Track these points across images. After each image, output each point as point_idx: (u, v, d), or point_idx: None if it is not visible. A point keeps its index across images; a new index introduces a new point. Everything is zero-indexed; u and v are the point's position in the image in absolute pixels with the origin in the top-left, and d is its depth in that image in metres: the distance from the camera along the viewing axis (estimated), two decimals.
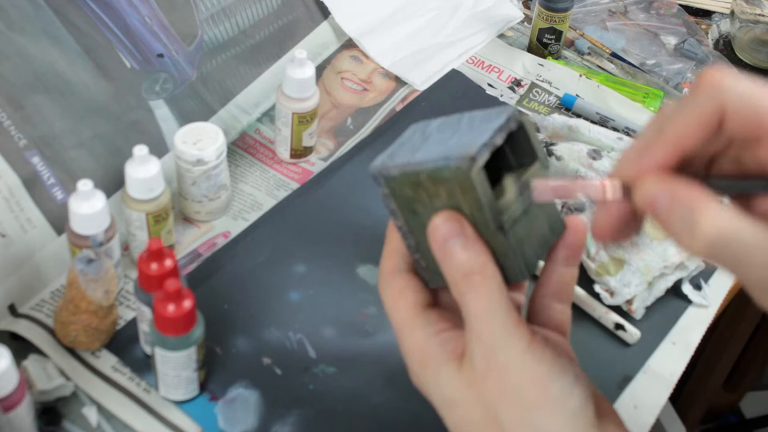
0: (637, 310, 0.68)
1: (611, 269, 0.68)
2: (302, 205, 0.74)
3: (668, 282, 0.70)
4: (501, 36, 0.96)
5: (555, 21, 0.91)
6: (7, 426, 0.52)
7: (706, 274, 0.72)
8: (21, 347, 0.61)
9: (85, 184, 0.59)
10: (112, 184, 0.67)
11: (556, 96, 0.89)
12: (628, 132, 0.84)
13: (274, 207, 0.74)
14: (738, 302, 1.12)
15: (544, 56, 0.93)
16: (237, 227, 0.72)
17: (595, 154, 0.74)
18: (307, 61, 0.73)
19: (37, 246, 0.64)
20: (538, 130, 0.80)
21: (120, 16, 0.71)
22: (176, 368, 0.57)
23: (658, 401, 0.64)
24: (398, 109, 0.85)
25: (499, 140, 0.42)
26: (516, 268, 0.43)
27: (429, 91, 0.87)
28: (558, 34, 0.92)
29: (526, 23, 0.99)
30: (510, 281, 0.44)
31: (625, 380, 0.65)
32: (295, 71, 0.73)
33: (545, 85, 0.90)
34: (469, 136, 0.42)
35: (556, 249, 0.46)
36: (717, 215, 0.36)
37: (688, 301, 0.71)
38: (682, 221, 0.37)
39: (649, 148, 0.40)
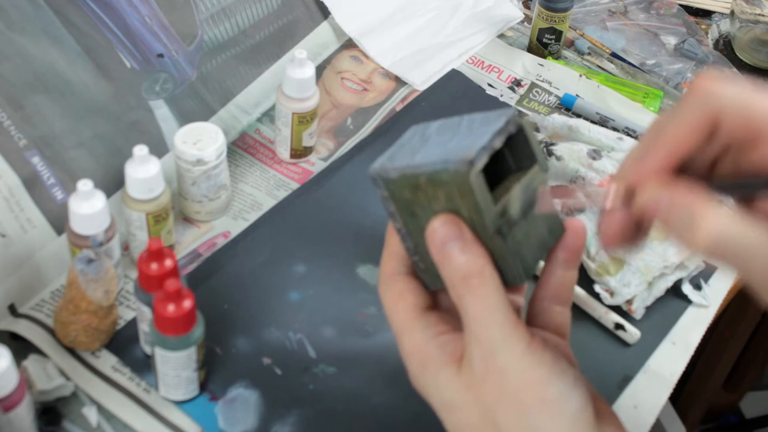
0: (637, 310, 0.68)
1: (611, 269, 0.68)
2: (302, 205, 0.74)
3: (668, 282, 0.70)
4: (501, 36, 0.96)
5: (555, 21, 0.91)
6: (7, 426, 0.52)
7: (706, 274, 0.72)
8: (21, 347, 0.61)
9: (85, 184, 0.59)
10: (112, 184, 0.67)
11: (556, 96, 0.89)
12: (628, 132, 0.84)
13: (274, 207, 0.74)
14: (738, 302, 1.12)
15: (544, 56, 0.93)
16: (237, 227, 0.72)
17: (595, 154, 0.74)
18: (307, 61, 0.73)
19: (37, 246, 0.64)
20: (537, 130, 0.80)
21: (120, 16, 0.71)
22: (176, 368, 0.57)
23: (658, 401, 0.64)
24: (398, 109, 0.85)
25: (498, 143, 0.41)
26: (514, 271, 0.43)
27: (429, 91, 0.87)
28: (558, 34, 0.92)
29: (526, 23, 0.99)
30: (508, 284, 0.44)
31: (625, 380, 0.65)
32: (295, 71, 0.73)
33: (545, 85, 0.90)
34: (468, 139, 0.42)
35: (555, 251, 0.46)
36: (716, 216, 0.37)
37: (688, 301, 0.71)
38: (682, 223, 0.38)
39: (646, 154, 0.41)
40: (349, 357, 0.64)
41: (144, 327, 0.60)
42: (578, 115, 0.86)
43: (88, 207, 0.60)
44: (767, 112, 0.39)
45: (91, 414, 0.59)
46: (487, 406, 0.42)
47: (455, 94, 0.87)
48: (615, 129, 0.84)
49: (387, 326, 0.65)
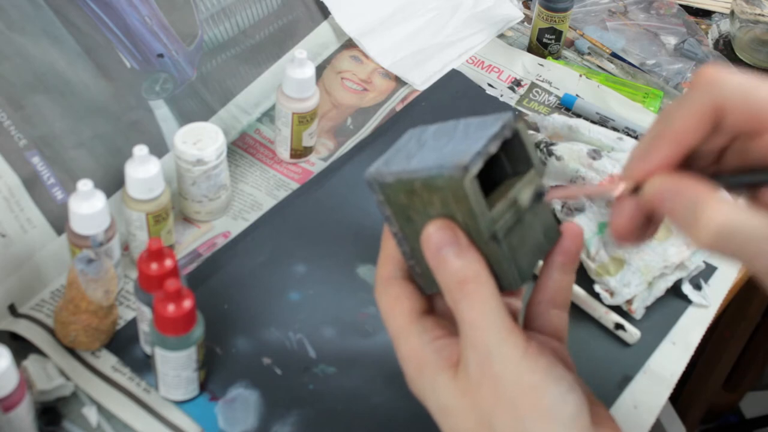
0: (637, 310, 0.68)
1: (611, 269, 0.68)
2: (302, 205, 0.74)
3: (668, 282, 0.70)
4: (501, 36, 0.96)
5: (555, 21, 0.91)
6: (7, 426, 0.52)
7: (706, 274, 0.72)
8: (21, 347, 0.61)
9: (85, 184, 0.59)
10: (112, 184, 0.67)
11: (556, 96, 0.89)
12: (628, 132, 0.84)
13: (274, 207, 0.74)
14: (738, 302, 1.12)
15: (544, 56, 0.93)
16: (237, 227, 0.72)
17: (595, 154, 0.74)
18: (307, 61, 0.73)
19: (37, 246, 0.64)
20: (537, 129, 0.80)
21: (120, 16, 0.71)
22: (176, 368, 0.57)
23: (658, 401, 0.64)
24: (398, 109, 0.85)
25: (494, 148, 0.41)
26: (510, 276, 0.43)
27: (429, 91, 0.87)
28: (558, 34, 0.92)
29: (526, 23, 0.99)
30: (504, 289, 0.44)
31: (625, 380, 0.65)
32: (295, 71, 0.73)
33: (545, 85, 0.90)
34: (464, 144, 0.42)
35: (552, 254, 0.46)
36: (720, 208, 0.37)
37: (688, 301, 0.71)
38: (687, 215, 0.38)
39: (652, 148, 0.41)
40: (349, 357, 0.64)
41: (144, 327, 0.60)
42: (578, 115, 0.86)
43: (88, 207, 0.60)
44: None
45: (91, 414, 0.59)
46: (483, 412, 0.42)
47: (455, 94, 0.87)
48: (615, 129, 0.84)
49: None
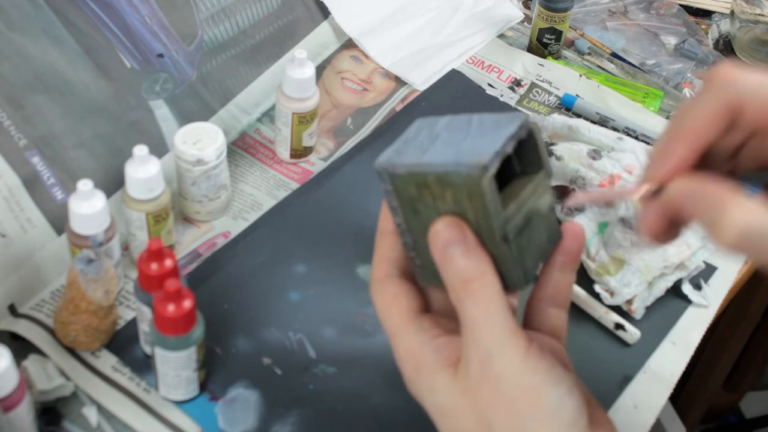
0: (637, 310, 0.68)
1: (611, 269, 0.68)
2: (302, 205, 0.74)
3: (668, 282, 0.70)
4: (501, 36, 0.96)
5: (555, 21, 0.91)
6: (7, 426, 0.52)
7: (706, 274, 0.72)
8: (21, 347, 0.61)
9: (85, 184, 0.59)
10: (112, 184, 0.67)
11: (556, 96, 0.89)
12: (628, 132, 0.84)
13: (274, 207, 0.74)
14: (738, 302, 1.12)
15: (544, 56, 0.93)
16: (237, 227, 0.72)
17: (595, 154, 0.74)
18: (307, 61, 0.73)
19: (37, 246, 0.64)
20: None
21: (120, 16, 0.71)
22: (176, 368, 0.57)
23: (658, 401, 0.64)
24: (398, 109, 0.85)
25: (510, 148, 0.41)
26: (516, 277, 0.43)
27: (429, 91, 0.87)
28: (558, 34, 0.92)
29: (526, 23, 0.99)
30: (509, 289, 0.44)
31: (625, 380, 0.65)
32: (295, 71, 0.73)
33: (545, 85, 0.90)
34: (481, 142, 0.41)
35: (554, 254, 0.46)
36: (743, 208, 0.38)
37: (688, 301, 0.71)
38: (710, 217, 0.39)
39: (669, 148, 0.42)
40: (349, 357, 0.64)
41: (144, 327, 0.60)
42: (578, 115, 0.86)
43: (88, 207, 0.60)
44: None
45: (91, 414, 0.59)
46: (482, 412, 0.42)
47: (455, 94, 0.87)
48: (615, 129, 0.84)
49: None
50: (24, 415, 0.53)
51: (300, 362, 0.63)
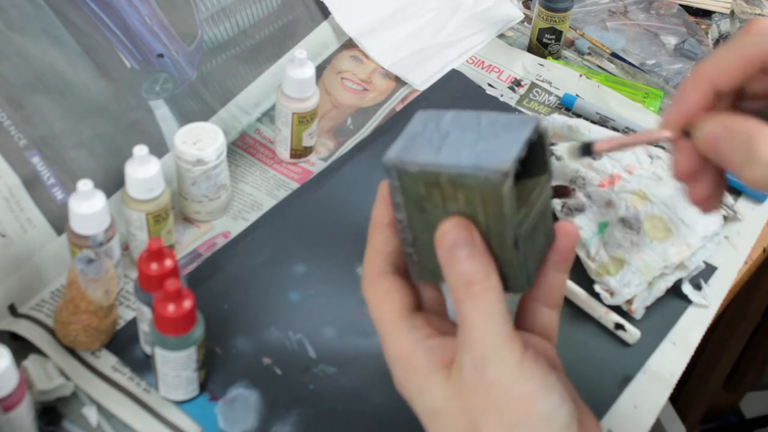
0: (637, 310, 0.68)
1: (611, 269, 0.68)
2: (302, 205, 0.74)
3: (668, 282, 0.69)
4: (501, 36, 0.96)
5: (555, 21, 0.91)
6: (7, 426, 0.52)
7: (706, 274, 0.72)
8: (21, 347, 0.61)
9: (85, 184, 0.59)
10: (112, 184, 0.67)
11: (556, 96, 0.89)
12: (628, 132, 0.84)
13: (274, 207, 0.74)
14: (738, 302, 1.12)
15: (544, 56, 0.93)
16: (237, 227, 0.72)
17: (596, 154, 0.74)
18: (307, 61, 0.73)
19: (37, 246, 0.64)
20: None
21: (120, 16, 0.71)
22: (176, 368, 0.57)
23: (658, 401, 0.64)
24: (398, 109, 0.85)
25: (524, 153, 0.41)
26: (519, 280, 0.43)
27: (429, 91, 0.87)
28: (558, 34, 0.92)
29: (526, 23, 0.99)
30: (511, 291, 0.43)
31: (625, 380, 0.65)
32: (295, 71, 0.73)
33: (545, 85, 0.90)
34: (497, 145, 0.41)
35: (547, 253, 0.46)
36: None
37: (688, 301, 0.71)
38: (740, 152, 0.39)
39: (685, 93, 0.42)
40: (349, 357, 0.64)
41: (144, 327, 0.60)
42: (578, 115, 0.86)
43: (88, 207, 0.60)
44: None
45: (91, 414, 0.59)
46: (473, 416, 0.42)
47: (455, 94, 0.87)
48: (615, 129, 0.84)
49: None
50: (24, 415, 0.53)
51: (300, 362, 0.63)
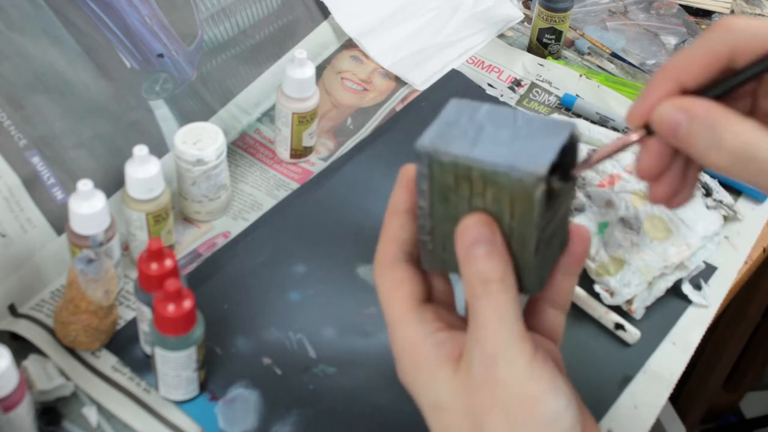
0: (637, 310, 0.68)
1: (611, 269, 0.68)
2: (302, 205, 0.74)
3: (668, 282, 0.70)
4: (501, 36, 0.96)
5: (555, 21, 0.91)
6: (7, 426, 0.52)
7: (706, 274, 0.72)
8: (21, 347, 0.61)
9: (85, 184, 0.59)
10: (112, 184, 0.67)
11: (556, 96, 0.89)
12: (628, 132, 0.84)
13: (274, 207, 0.74)
14: (738, 302, 1.12)
15: (544, 56, 0.93)
16: (237, 227, 0.72)
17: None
18: (307, 61, 0.73)
19: (37, 246, 0.64)
20: None
21: (120, 16, 0.71)
22: (176, 368, 0.57)
23: (658, 401, 0.64)
24: (398, 109, 0.85)
25: (557, 157, 0.41)
26: (532, 282, 0.43)
27: (429, 91, 0.87)
28: (558, 34, 0.92)
29: (526, 23, 0.99)
30: (524, 292, 0.43)
31: (625, 380, 0.65)
32: (295, 71, 0.73)
33: (545, 85, 0.90)
34: (533, 147, 0.41)
35: (560, 255, 0.46)
36: (740, 128, 0.38)
37: (688, 301, 0.71)
38: (705, 138, 0.39)
39: (649, 89, 0.42)
40: (349, 357, 0.64)
41: (144, 327, 0.60)
42: (578, 115, 0.86)
43: (88, 207, 0.60)
44: None
45: (91, 414, 0.59)
46: (477, 413, 0.42)
47: (455, 94, 0.87)
48: (615, 129, 0.84)
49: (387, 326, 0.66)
50: (24, 415, 0.53)
51: (300, 362, 0.63)
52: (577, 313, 0.68)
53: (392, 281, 0.45)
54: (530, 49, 0.94)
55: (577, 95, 0.88)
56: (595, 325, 0.68)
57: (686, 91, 0.41)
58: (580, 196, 0.72)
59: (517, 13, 0.98)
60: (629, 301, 0.68)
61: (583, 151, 0.74)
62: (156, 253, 0.55)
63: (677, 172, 0.43)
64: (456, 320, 0.45)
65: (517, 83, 0.90)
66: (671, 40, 0.99)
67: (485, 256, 0.41)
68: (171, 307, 0.53)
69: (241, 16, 0.81)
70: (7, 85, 0.65)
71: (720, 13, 1.05)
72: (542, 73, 0.91)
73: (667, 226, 0.70)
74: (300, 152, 0.78)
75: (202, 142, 0.67)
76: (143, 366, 0.61)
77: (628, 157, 0.74)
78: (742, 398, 1.45)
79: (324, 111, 0.83)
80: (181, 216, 0.72)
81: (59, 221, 0.65)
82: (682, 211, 0.71)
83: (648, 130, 0.42)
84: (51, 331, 0.62)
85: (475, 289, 0.42)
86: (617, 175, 0.72)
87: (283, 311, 0.66)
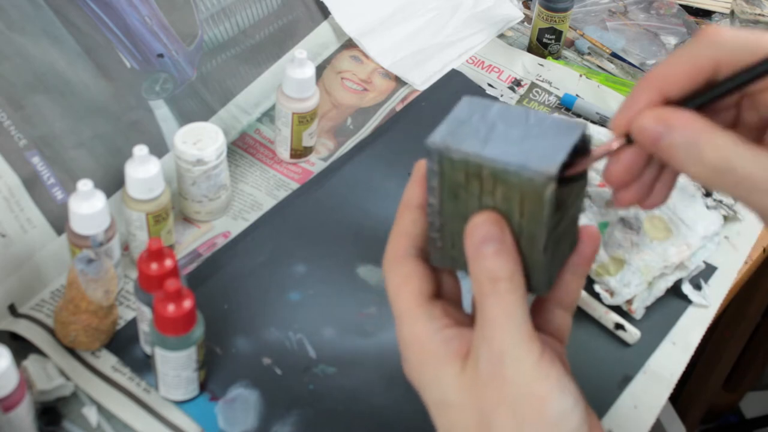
0: (637, 310, 0.68)
1: (611, 269, 0.68)
2: (302, 205, 0.74)
3: (668, 282, 0.70)
4: (501, 36, 0.96)
5: (555, 21, 0.91)
6: (7, 426, 0.52)
7: (706, 274, 0.72)
8: (21, 347, 0.61)
9: (85, 184, 0.59)
10: (112, 184, 0.67)
11: (556, 96, 0.89)
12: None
13: (274, 207, 0.74)
14: (738, 302, 1.12)
15: (544, 56, 0.93)
16: (237, 227, 0.72)
17: None
18: (307, 61, 0.73)
19: (37, 246, 0.64)
20: None
21: (120, 16, 0.71)
22: (176, 368, 0.57)
23: (658, 401, 0.64)
24: (398, 109, 0.85)
25: (568, 158, 0.41)
26: (540, 282, 0.43)
27: (429, 91, 0.87)
28: (558, 34, 0.92)
29: (526, 23, 0.99)
30: (532, 292, 0.43)
31: (625, 380, 0.65)
32: (295, 71, 0.73)
33: (545, 85, 0.90)
34: (544, 146, 0.41)
35: (568, 256, 0.46)
36: (720, 142, 0.38)
37: (688, 301, 0.71)
38: (685, 150, 0.39)
39: (632, 99, 0.41)
40: (349, 357, 0.64)
41: (144, 327, 0.60)
42: (578, 115, 0.86)
43: (88, 207, 0.60)
44: None
45: (91, 414, 0.59)
46: (484, 411, 0.42)
47: (455, 94, 0.87)
48: None
49: (387, 326, 0.66)
50: (24, 415, 0.53)
51: (300, 362, 0.63)
52: (577, 313, 0.68)
53: (402, 276, 0.45)
54: (530, 49, 0.95)
55: (577, 95, 0.88)
56: (595, 325, 0.68)
57: (669, 101, 0.41)
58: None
59: (517, 13, 0.98)
60: (629, 301, 0.68)
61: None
62: (156, 253, 0.55)
63: (647, 180, 0.44)
64: (463, 317, 0.45)
65: (517, 83, 0.90)
66: (671, 40, 0.99)
67: (494, 254, 0.41)
68: (171, 307, 0.53)
69: (241, 16, 0.81)
70: (7, 85, 0.65)
71: (720, 13, 1.05)
72: (542, 73, 0.91)
73: (667, 226, 0.70)
74: (300, 152, 0.78)
75: (202, 142, 0.67)
76: (143, 366, 0.61)
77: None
78: (742, 398, 1.45)
79: (324, 111, 0.83)
80: (181, 216, 0.72)
81: (59, 221, 0.65)
82: (682, 211, 0.71)
83: (629, 139, 0.42)
84: (51, 331, 0.62)
85: (484, 287, 0.42)
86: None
87: (283, 311, 0.66)
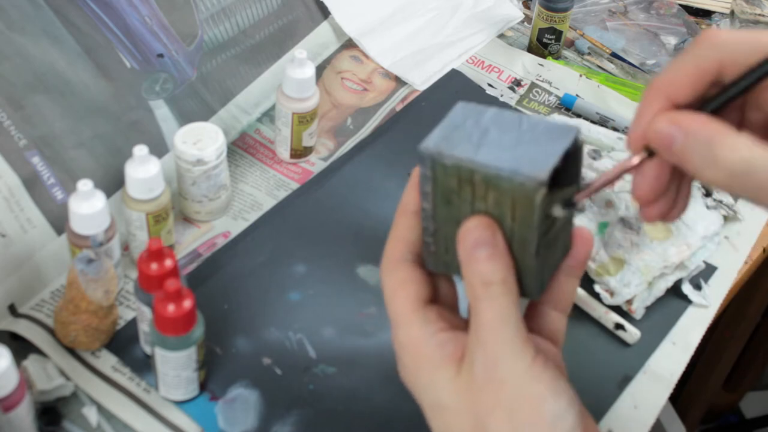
0: (637, 310, 0.68)
1: (611, 269, 0.68)
2: (302, 205, 0.74)
3: (668, 282, 0.70)
4: (501, 36, 0.96)
5: (555, 21, 0.91)
6: (7, 426, 0.52)
7: (706, 274, 0.72)
8: (21, 347, 0.61)
9: (85, 184, 0.59)
10: (112, 184, 0.67)
11: (556, 96, 0.89)
12: (626, 131, 0.84)
13: (274, 207, 0.74)
14: (738, 302, 1.12)
15: (544, 56, 0.93)
16: (237, 227, 0.72)
17: (595, 154, 0.74)
18: (307, 61, 0.73)
19: (37, 246, 0.64)
20: None
21: (120, 16, 0.71)
22: (176, 368, 0.57)
23: (658, 401, 0.64)
24: (398, 109, 0.85)
25: (560, 163, 0.41)
26: (533, 286, 0.43)
27: (429, 91, 0.87)
28: (558, 34, 0.92)
29: (526, 23, 0.99)
30: (525, 296, 0.44)
31: (625, 380, 0.65)
32: (295, 71, 0.73)
33: (545, 85, 0.90)
34: (536, 151, 0.41)
35: (562, 259, 0.46)
36: (736, 144, 0.37)
37: (688, 301, 0.71)
38: (701, 154, 0.38)
39: (642, 110, 0.41)
40: (349, 357, 0.64)
41: (144, 327, 0.60)
42: (578, 115, 0.86)
43: (88, 207, 0.60)
44: None
45: (91, 414, 0.59)
46: (480, 414, 0.42)
47: (455, 94, 0.87)
48: (615, 129, 0.84)
49: (387, 326, 0.65)
50: (24, 415, 0.53)
51: (300, 362, 0.63)
52: (577, 313, 0.68)
53: (398, 281, 0.45)
54: (530, 49, 0.95)
55: (577, 95, 0.88)
56: (595, 325, 0.68)
57: (678, 107, 0.41)
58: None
59: (517, 13, 0.98)
60: (629, 301, 0.68)
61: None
62: (156, 253, 0.55)
63: (672, 192, 0.43)
64: (459, 321, 0.45)
65: (517, 83, 0.90)
66: (671, 40, 0.99)
67: (487, 258, 0.42)
68: (171, 307, 0.53)
69: (241, 16, 0.81)
70: (7, 85, 0.65)
71: (720, 13, 1.05)
72: (542, 73, 0.91)
73: (667, 226, 0.70)
74: (300, 152, 0.78)
75: (202, 142, 0.67)
76: (143, 366, 0.61)
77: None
78: (742, 398, 1.45)
79: (324, 111, 0.83)
80: (181, 216, 0.72)
81: (59, 221, 0.65)
82: None
83: (649, 152, 0.41)
84: (51, 331, 0.62)
85: (477, 291, 0.42)
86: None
87: (283, 311, 0.66)
